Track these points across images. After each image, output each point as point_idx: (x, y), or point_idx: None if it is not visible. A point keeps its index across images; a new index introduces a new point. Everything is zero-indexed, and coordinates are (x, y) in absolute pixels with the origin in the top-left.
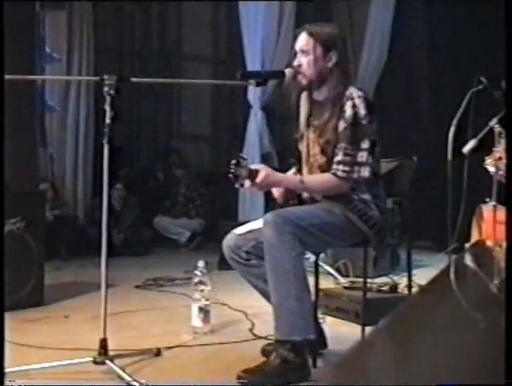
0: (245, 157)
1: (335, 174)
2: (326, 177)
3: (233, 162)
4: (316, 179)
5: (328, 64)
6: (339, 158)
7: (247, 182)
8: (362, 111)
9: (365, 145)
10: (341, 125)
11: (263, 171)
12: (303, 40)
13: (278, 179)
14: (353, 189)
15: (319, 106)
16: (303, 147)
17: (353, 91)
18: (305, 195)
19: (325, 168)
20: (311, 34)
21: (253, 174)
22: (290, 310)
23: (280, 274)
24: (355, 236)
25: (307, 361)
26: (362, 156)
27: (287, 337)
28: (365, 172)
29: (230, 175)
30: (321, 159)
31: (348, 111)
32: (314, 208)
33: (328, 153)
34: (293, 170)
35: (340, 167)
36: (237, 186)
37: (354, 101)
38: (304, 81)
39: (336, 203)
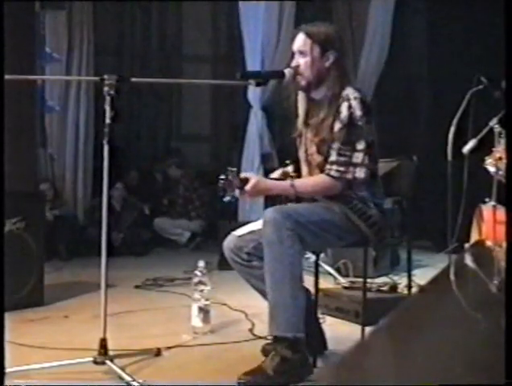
0: (233, 169)
1: (328, 175)
2: (318, 178)
3: (222, 176)
4: (308, 182)
5: (326, 64)
6: (333, 158)
7: (237, 191)
8: (358, 112)
9: (361, 146)
10: (337, 126)
11: (253, 179)
12: (300, 41)
13: (269, 186)
14: (350, 188)
15: (316, 105)
16: (301, 146)
17: (349, 92)
18: None
19: (323, 167)
20: (308, 35)
21: (243, 183)
22: (285, 306)
23: (277, 270)
24: (354, 235)
25: (306, 357)
26: (358, 157)
27: (283, 333)
28: (361, 173)
29: (219, 191)
30: (318, 158)
31: (344, 112)
32: (313, 206)
33: (323, 153)
34: (289, 168)
35: (334, 167)
36: (225, 200)
37: (350, 102)
38: (303, 82)
39: (336, 202)
